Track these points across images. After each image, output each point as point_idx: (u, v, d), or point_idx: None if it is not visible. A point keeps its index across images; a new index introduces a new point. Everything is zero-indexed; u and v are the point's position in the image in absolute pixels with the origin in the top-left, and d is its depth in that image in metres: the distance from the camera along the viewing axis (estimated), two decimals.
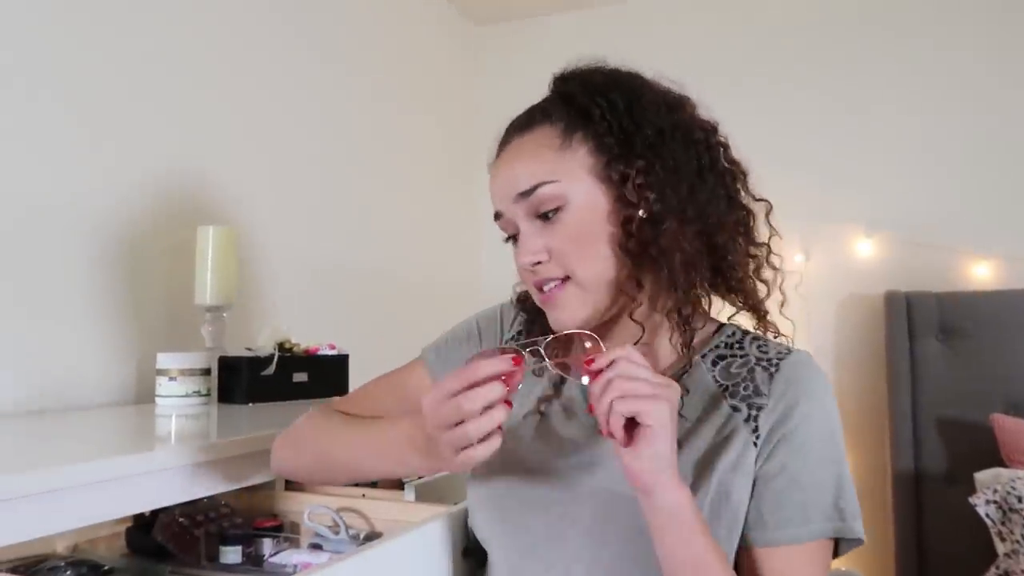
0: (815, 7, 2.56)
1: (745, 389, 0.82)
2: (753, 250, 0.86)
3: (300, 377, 1.59)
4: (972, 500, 1.81)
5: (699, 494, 0.77)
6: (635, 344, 0.83)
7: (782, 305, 0.88)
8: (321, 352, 1.67)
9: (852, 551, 0.81)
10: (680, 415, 0.77)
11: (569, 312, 0.82)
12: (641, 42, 2.55)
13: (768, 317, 0.87)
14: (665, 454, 0.68)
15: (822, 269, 2.50)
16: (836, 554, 0.80)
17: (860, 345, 2.45)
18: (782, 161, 2.48)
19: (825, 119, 2.51)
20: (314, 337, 1.72)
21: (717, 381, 0.84)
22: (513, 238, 0.87)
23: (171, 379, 1.36)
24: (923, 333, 2.23)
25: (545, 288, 0.83)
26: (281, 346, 1.56)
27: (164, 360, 1.37)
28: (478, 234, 2.86)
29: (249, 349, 1.53)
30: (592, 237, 0.81)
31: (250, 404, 1.47)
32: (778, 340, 0.87)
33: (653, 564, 0.73)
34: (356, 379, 1.73)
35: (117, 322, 1.53)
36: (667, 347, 0.85)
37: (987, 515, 1.78)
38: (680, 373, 0.84)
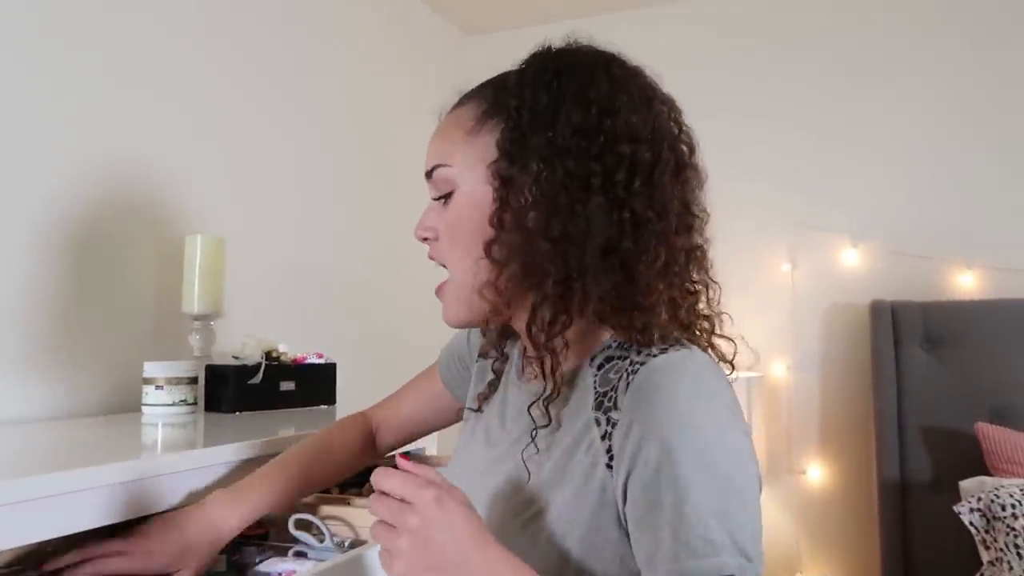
0: (801, 23, 2.58)
1: (608, 400, 0.71)
2: (637, 279, 0.72)
3: (287, 386, 1.59)
4: (956, 508, 1.82)
5: (543, 517, 0.70)
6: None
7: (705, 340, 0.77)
8: (308, 361, 1.67)
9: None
10: (541, 429, 0.74)
11: (448, 312, 0.80)
12: (632, 55, 2.55)
13: (653, 331, 0.71)
14: None
15: (808, 278, 2.52)
16: None
17: (846, 354, 2.47)
18: (769, 171, 2.51)
19: (812, 130, 2.53)
20: (301, 346, 1.72)
21: (595, 389, 0.73)
22: None
23: (158, 388, 1.36)
24: (908, 342, 2.25)
25: (435, 264, 0.83)
26: (268, 355, 1.56)
27: (151, 369, 1.37)
28: None
29: (236, 358, 1.53)
30: (469, 231, 0.76)
31: (237, 413, 1.47)
32: (678, 344, 0.71)
33: None
34: (344, 388, 1.74)
35: (103, 330, 1.53)
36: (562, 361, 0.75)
37: (971, 523, 1.80)
38: (550, 396, 0.74)
